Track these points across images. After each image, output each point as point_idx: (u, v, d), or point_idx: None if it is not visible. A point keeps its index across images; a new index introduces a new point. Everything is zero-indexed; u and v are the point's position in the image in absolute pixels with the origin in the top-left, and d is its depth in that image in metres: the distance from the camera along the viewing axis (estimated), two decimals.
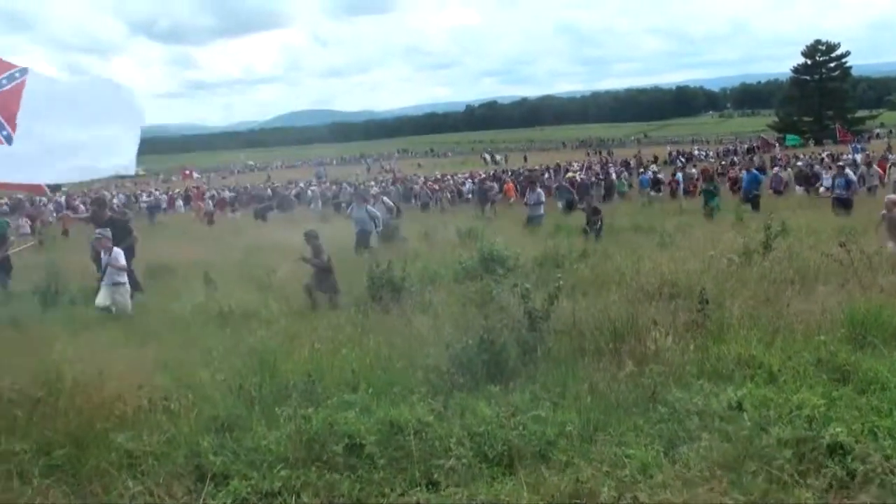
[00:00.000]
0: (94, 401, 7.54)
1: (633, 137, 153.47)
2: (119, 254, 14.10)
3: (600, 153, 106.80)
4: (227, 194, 57.86)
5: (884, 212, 15.60)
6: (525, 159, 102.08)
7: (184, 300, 14.08)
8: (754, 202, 26.57)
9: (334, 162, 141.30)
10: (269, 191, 56.61)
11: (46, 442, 6.85)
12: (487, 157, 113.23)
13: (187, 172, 69.95)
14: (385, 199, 24.72)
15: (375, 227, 21.39)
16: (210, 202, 50.64)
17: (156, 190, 74.04)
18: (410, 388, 7.84)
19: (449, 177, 62.71)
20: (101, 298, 13.80)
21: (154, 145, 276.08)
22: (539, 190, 28.78)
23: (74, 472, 6.46)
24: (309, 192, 50.91)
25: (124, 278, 14.12)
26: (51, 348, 9.04)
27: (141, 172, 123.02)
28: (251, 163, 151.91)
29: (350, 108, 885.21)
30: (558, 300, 9.15)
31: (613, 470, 5.98)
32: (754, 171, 29.58)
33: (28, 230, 38.26)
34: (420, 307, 12.27)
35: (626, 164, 67.83)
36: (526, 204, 28.06)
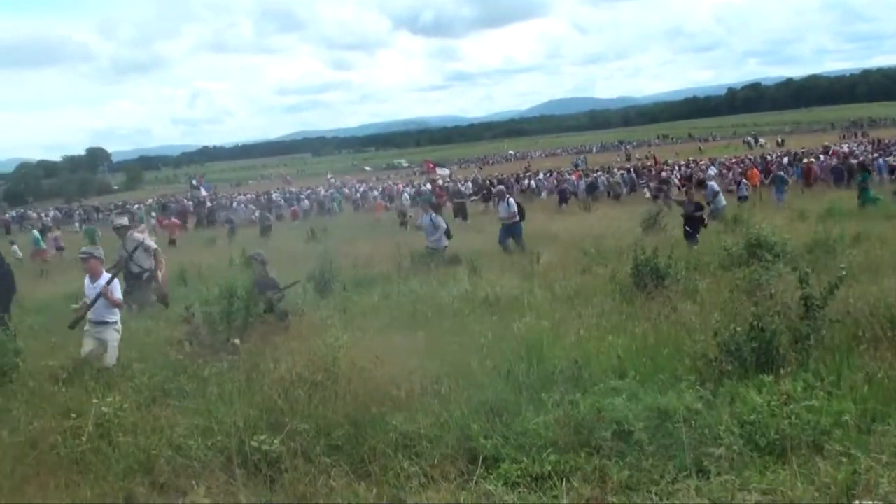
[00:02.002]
0: (369, 384, 7.89)
1: None
2: (115, 285, 11.07)
3: (856, 134, 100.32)
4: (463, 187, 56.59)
5: None
6: (781, 143, 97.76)
7: (450, 288, 14.33)
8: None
9: (594, 149, 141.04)
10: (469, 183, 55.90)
11: (326, 423, 7.23)
12: (751, 140, 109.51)
13: (431, 165, 70.59)
14: (511, 199, 22.09)
15: (447, 236, 19.83)
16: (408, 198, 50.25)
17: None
18: (678, 376, 7.80)
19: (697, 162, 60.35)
20: (88, 345, 10.83)
21: (416, 138, 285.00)
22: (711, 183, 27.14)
23: (353, 451, 6.77)
24: (533, 183, 50.18)
25: (117, 316, 11.03)
26: (327, 333, 9.45)
27: (404, 164, 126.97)
28: (511, 152, 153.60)
29: (609, 95, 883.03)
30: (839, 288, 8.74)
31: (893, 461, 5.72)
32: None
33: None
34: (686, 294, 12.08)
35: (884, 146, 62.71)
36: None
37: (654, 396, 7.09)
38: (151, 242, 15.66)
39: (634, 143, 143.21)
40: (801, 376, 7.50)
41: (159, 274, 15.29)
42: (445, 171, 68.68)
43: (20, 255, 32.66)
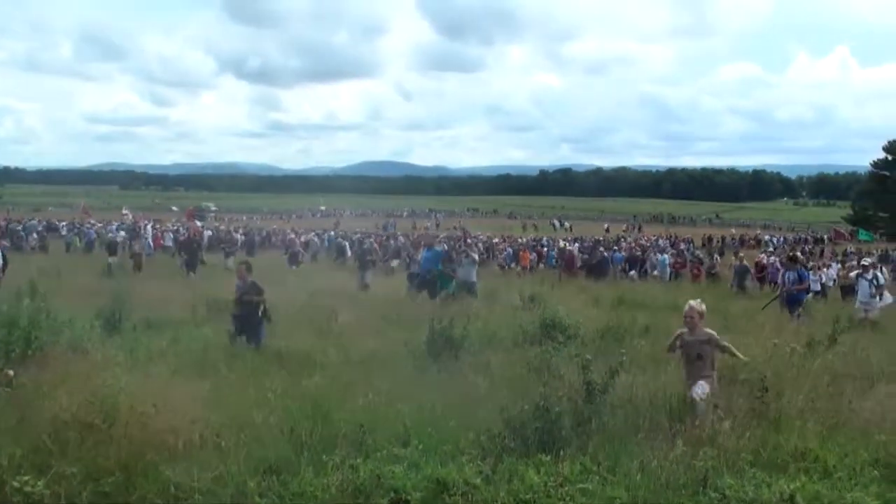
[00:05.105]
0: (147, 431, 7.62)
1: (704, 217, 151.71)
2: None
3: (637, 228, 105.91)
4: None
5: (681, 330, 10.44)
6: (570, 229, 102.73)
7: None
8: None
9: (405, 214, 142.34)
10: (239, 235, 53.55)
11: (97, 468, 6.94)
12: (556, 223, 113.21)
13: (190, 214, 67.46)
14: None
15: None
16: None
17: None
18: (461, 448, 7.84)
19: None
20: None
21: (229, 183, 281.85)
22: (472, 255, 27.42)
23: (122, 500, 6.52)
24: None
25: None
26: (108, 375, 9.12)
27: (213, 208, 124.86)
28: (323, 208, 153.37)
29: (425, 163, 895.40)
30: (619, 374, 9.06)
31: None
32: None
33: None
34: (478, 367, 12.24)
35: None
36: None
37: (434, 467, 7.14)
38: None
39: (444, 213, 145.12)
40: (579, 459, 7.69)
41: None
42: (199, 223, 67.51)
43: None
